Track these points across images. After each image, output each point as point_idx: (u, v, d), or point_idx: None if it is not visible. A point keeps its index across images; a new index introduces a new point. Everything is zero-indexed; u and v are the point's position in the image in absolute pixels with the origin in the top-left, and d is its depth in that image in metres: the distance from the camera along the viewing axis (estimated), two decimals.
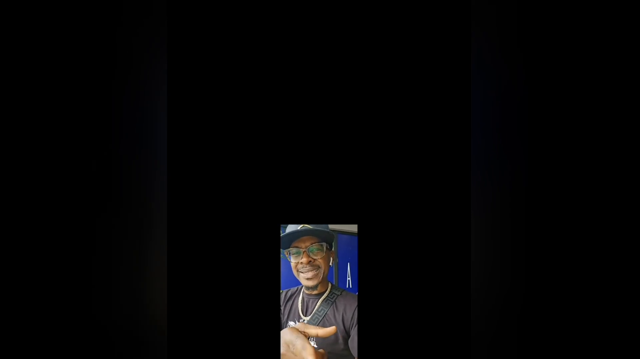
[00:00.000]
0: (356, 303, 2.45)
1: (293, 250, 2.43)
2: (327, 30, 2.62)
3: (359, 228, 2.54)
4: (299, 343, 2.38)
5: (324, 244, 2.43)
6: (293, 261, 2.42)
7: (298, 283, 2.44)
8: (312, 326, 2.41)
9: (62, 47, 2.50)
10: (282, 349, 2.41)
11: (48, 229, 2.47)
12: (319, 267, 2.41)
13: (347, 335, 2.43)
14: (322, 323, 2.41)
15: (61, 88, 2.50)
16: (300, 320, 2.43)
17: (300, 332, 2.39)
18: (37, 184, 2.46)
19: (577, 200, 2.48)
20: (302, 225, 2.45)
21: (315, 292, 2.43)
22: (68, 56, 2.51)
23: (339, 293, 2.44)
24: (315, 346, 2.41)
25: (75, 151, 2.52)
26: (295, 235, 2.43)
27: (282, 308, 2.46)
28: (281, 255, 2.49)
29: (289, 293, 2.45)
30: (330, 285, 2.44)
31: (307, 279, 2.41)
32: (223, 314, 2.58)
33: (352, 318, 2.43)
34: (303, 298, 2.44)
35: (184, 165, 2.59)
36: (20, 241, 2.42)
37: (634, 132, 2.43)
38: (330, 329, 2.39)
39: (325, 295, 2.43)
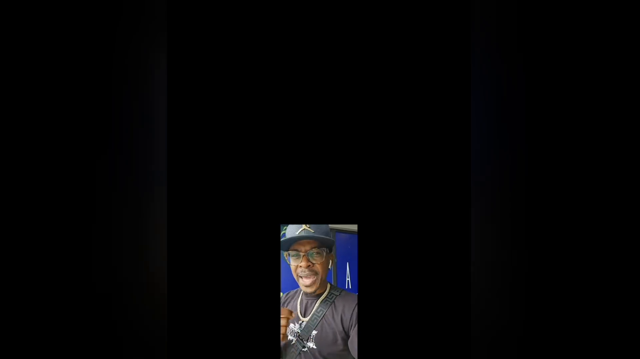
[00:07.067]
0: (355, 303, 2.45)
1: (292, 252, 2.44)
2: (327, 31, 2.61)
3: (359, 228, 2.54)
4: None
5: (324, 249, 2.43)
6: (292, 263, 2.43)
7: (297, 285, 2.44)
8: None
9: (62, 47, 2.51)
10: None
11: (48, 229, 2.48)
12: (317, 273, 2.42)
13: (346, 335, 2.43)
14: (321, 324, 2.42)
15: (61, 87, 2.51)
16: (299, 321, 2.44)
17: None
18: (37, 183, 2.47)
19: (577, 199, 2.48)
20: (302, 228, 2.45)
21: (313, 292, 2.43)
22: (68, 56, 2.52)
23: (337, 294, 2.44)
24: (314, 346, 2.42)
25: (75, 150, 2.53)
26: (296, 238, 2.44)
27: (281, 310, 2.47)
28: (281, 256, 2.50)
29: (288, 296, 2.46)
30: (329, 285, 2.44)
31: (306, 286, 2.41)
32: (223, 314, 2.59)
33: (350, 318, 2.44)
34: (302, 299, 2.44)
35: (184, 165, 2.60)
36: (20, 242, 2.44)
37: (633, 132, 2.42)
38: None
39: (323, 295, 2.43)
